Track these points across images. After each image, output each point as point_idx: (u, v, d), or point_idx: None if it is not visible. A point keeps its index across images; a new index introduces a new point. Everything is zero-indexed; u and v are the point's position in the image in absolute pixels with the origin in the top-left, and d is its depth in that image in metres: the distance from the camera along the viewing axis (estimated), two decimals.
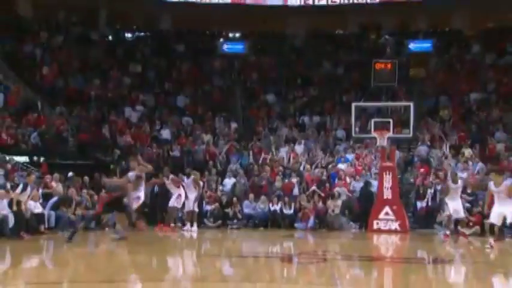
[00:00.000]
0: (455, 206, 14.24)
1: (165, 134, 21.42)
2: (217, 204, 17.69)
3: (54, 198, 15.28)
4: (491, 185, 12.33)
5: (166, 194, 16.46)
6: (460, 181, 14.65)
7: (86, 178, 17.07)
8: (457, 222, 15.73)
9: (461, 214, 14.36)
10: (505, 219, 11.92)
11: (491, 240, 12.19)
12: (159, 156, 19.99)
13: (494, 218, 12.03)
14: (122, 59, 25.44)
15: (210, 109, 23.38)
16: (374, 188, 17.36)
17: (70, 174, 16.89)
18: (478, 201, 16.57)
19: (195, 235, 15.19)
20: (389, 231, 16.08)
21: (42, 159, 18.15)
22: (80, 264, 10.07)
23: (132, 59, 25.57)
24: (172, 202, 15.72)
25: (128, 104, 22.82)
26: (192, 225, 15.73)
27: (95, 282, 8.14)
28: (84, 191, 16.35)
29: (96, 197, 16.32)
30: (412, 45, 24.97)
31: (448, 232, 14.73)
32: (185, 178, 16.34)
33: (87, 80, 23.38)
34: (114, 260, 11.03)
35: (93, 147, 20.11)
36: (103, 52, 25.40)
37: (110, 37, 27.32)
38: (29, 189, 13.73)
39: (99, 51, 25.28)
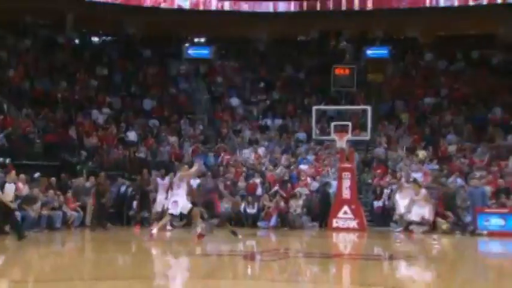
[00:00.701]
0: (405, 204, 14.86)
1: (132, 136, 21.19)
2: None
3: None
4: (413, 194, 13.66)
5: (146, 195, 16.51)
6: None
7: (53, 179, 16.76)
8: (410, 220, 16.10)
9: (411, 211, 14.91)
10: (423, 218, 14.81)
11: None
12: (125, 157, 19.80)
13: (414, 216, 14.60)
14: (89, 62, 25.05)
15: (176, 112, 23.26)
16: (332, 188, 17.58)
17: (37, 174, 16.56)
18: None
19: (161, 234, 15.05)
20: (348, 230, 16.25)
21: (8, 160, 17.73)
22: (46, 264, 9.86)
23: (99, 62, 25.21)
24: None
25: (95, 106, 22.49)
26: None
27: (61, 281, 7.99)
28: (51, 191, 16.03)
29: (62, 197, 16.04)
30: (370, 52, 25.32)
31: (401, 229, 15.14)
32: (159, 179, 16.12)
33: (54, 83, 22.94)
34: (80, 259, 10.85)
35: (60, 148, 19.72)
36: (70, 55, 24.98)
37: (77, 41, 26.89)
38: (7, 185, 13.31)
39: (66, 54, 24.84)
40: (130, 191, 17.80)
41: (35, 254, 11.14)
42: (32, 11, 24.55)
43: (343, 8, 25.62)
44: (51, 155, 19.31)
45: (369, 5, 25.38)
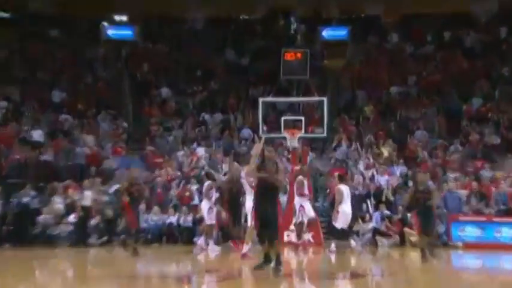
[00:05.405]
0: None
1: (37, 135, 20.65)
2: (98, 217, 17.28)
3: None
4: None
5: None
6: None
7: None
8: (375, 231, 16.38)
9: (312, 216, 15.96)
10: None
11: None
12: (27, 160, 19.20)
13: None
14: None
15: (93, 105, 22.87)
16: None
17: None
18: (397, 207, 17.15)
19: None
20: (302, 244, 16.29)
21: None
22: None
23: None
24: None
25: None
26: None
27: None
28: None
29: None
30: (326, 33, 25.58)
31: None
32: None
33: None
34: None
35: None
36: None
37: None
38: None
39: None
40: (37, 202, 17.35)
41: None
42: None
43: None
44: None
45: None
